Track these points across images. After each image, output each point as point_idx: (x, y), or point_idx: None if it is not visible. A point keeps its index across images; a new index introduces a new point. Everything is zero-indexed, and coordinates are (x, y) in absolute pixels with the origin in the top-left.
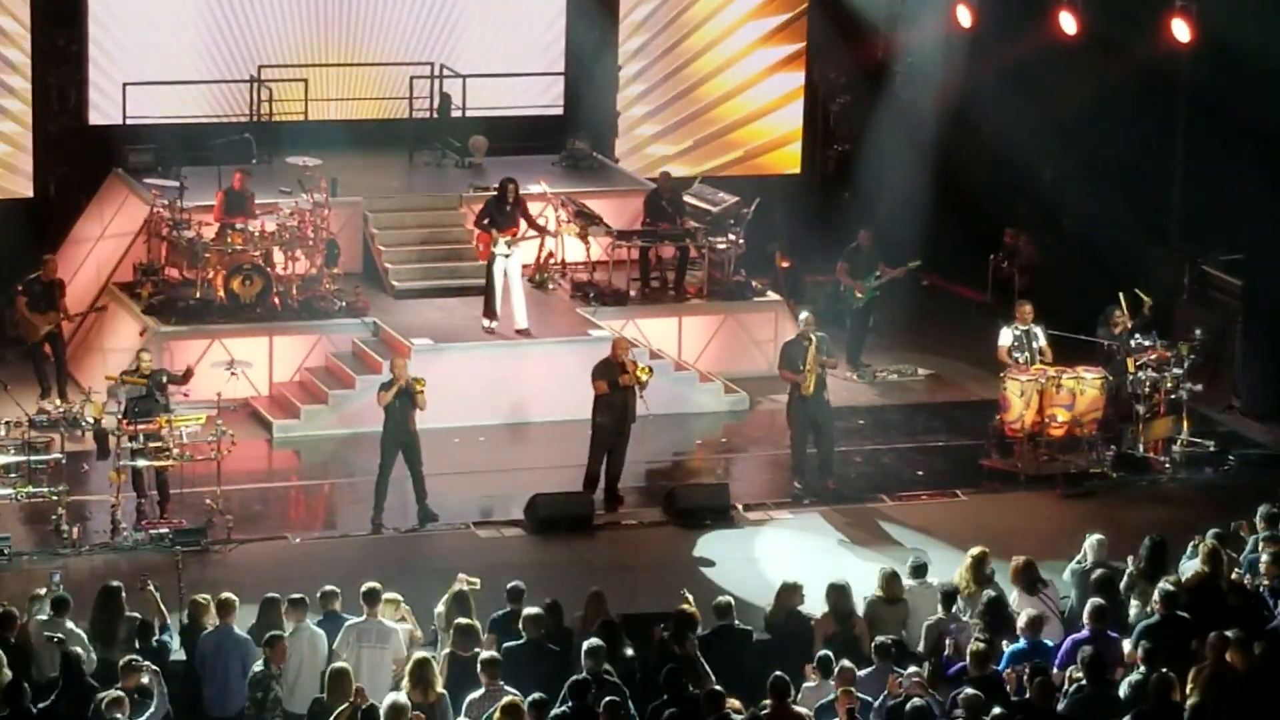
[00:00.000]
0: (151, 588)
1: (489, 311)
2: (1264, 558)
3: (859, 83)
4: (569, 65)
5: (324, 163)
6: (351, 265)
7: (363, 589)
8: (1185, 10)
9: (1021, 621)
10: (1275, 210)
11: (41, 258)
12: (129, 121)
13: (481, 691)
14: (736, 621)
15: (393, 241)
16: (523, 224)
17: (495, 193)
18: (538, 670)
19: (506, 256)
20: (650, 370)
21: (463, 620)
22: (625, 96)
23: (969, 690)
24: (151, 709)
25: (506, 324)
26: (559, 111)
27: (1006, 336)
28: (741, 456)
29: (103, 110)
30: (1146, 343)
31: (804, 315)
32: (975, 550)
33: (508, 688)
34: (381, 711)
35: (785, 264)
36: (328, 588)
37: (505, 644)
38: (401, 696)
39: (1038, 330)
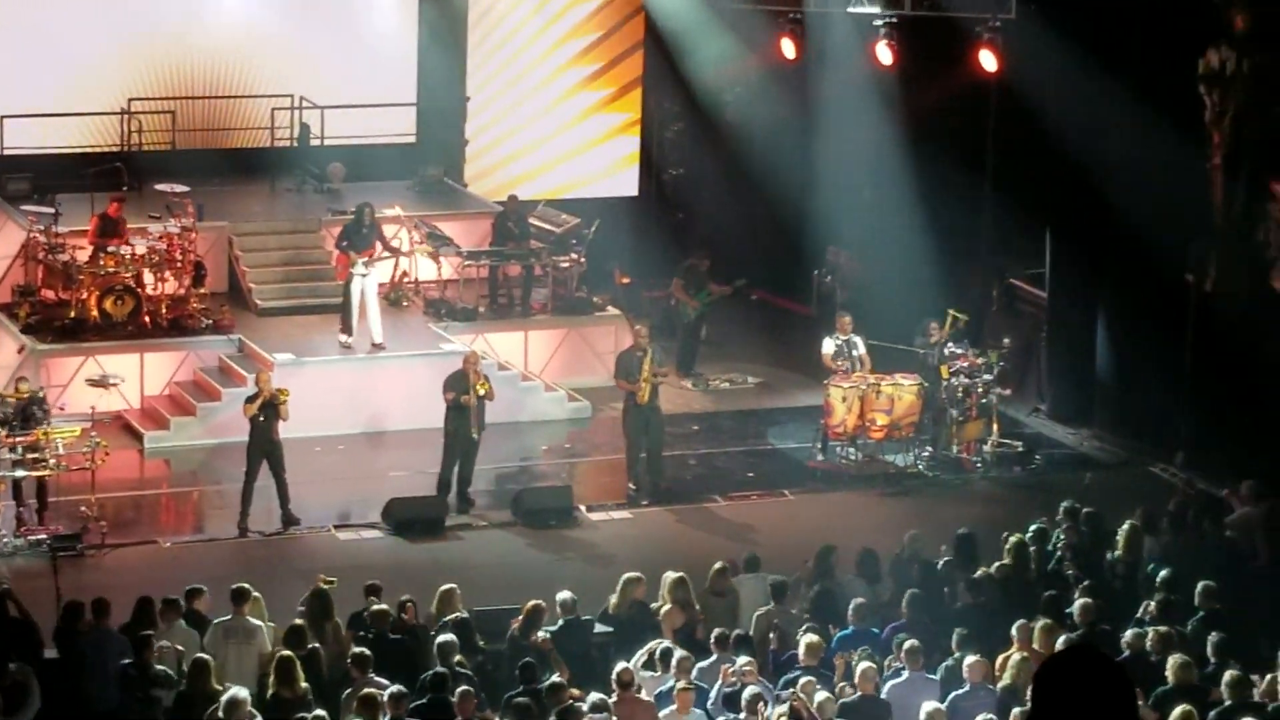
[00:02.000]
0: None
1: (346, 328)
2: (1063, 548)
3: (692, 111)
4: (420, 96)
5: (191, 190)
6: (217, 285)
7: (231, 589)
8: (991, 42)
9: (851, 610)
10: (1076, 227)
11: None
12: (6, 151)
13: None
14: (581, 615)
15: (256, 263)
16: (379, 245)
17: (353, 216)
18: (394, 664)
19: (364, 276)
20: (491, 388)
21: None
22: (474, 125)
23: (803, 677)
24: (27, 706)
25: (363, 339)
26: (412, 139)
27: (829, 346)
28: (584, 461)
29: None
30: (959, 351)
31: (638, 328)
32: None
33: (378, 678)
34: (221, 704)
35: (624, 281)
36: (192, 586)
37: (361, 638)
38: (241, 691)
39: (857, 340)
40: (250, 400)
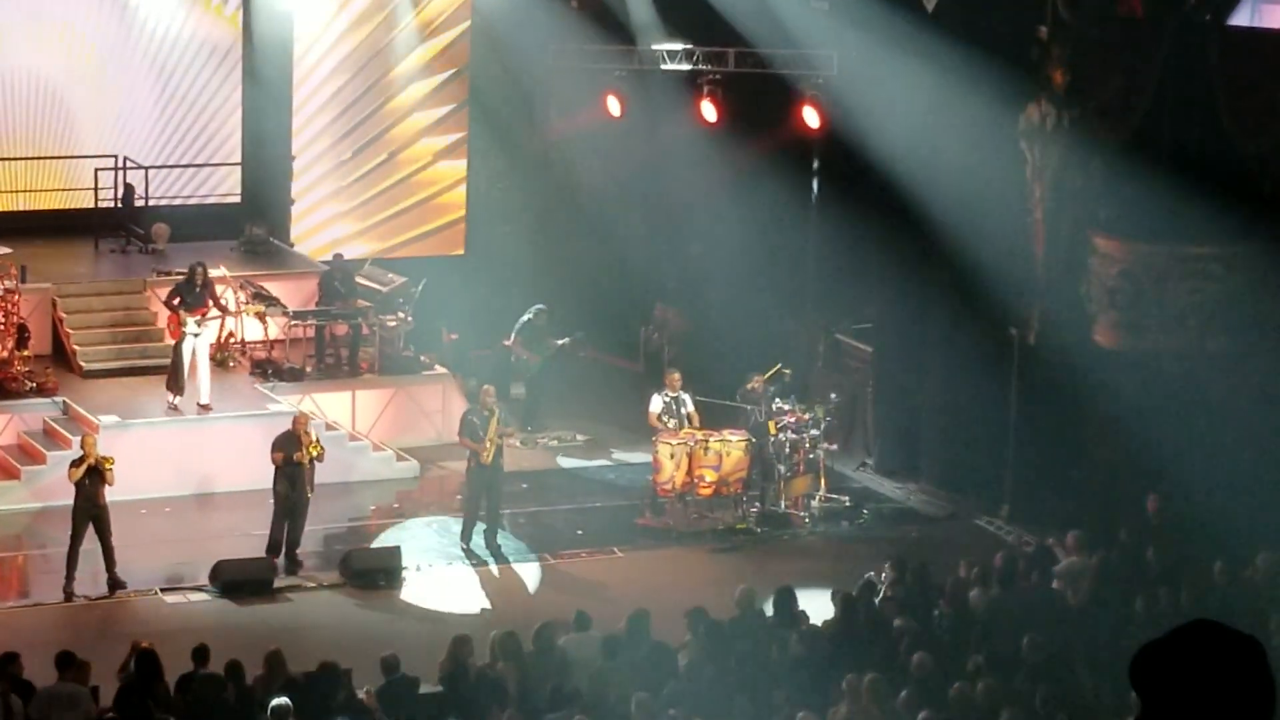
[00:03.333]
0: None
1: (175, 388)
2: (891, 602)
3: (519, 168)
4: (245, 155)
5: (13, 251)
6: (41, 348)
7: (56, 654)
8: (815, 99)
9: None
10: (899, 282)
11: None
12: None
13: None
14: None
15: (81, 324)
16: (210, 304)
17: (185, 275)
18: None
19: (195, 335)
20: (322, 449)
21: None
22: (300, 184)
23: None
24: None
25: (190, 400)
26: (237, 199)
27: (656, 403)
28: (413, 521)
29: None
30: (786, 406)
31: (486, 387)
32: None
33: None
34: None
35: (452, 338)
36: (5, 653)
37: (191, 703)
38: None
39: (685, 397)
40: (75, 464)
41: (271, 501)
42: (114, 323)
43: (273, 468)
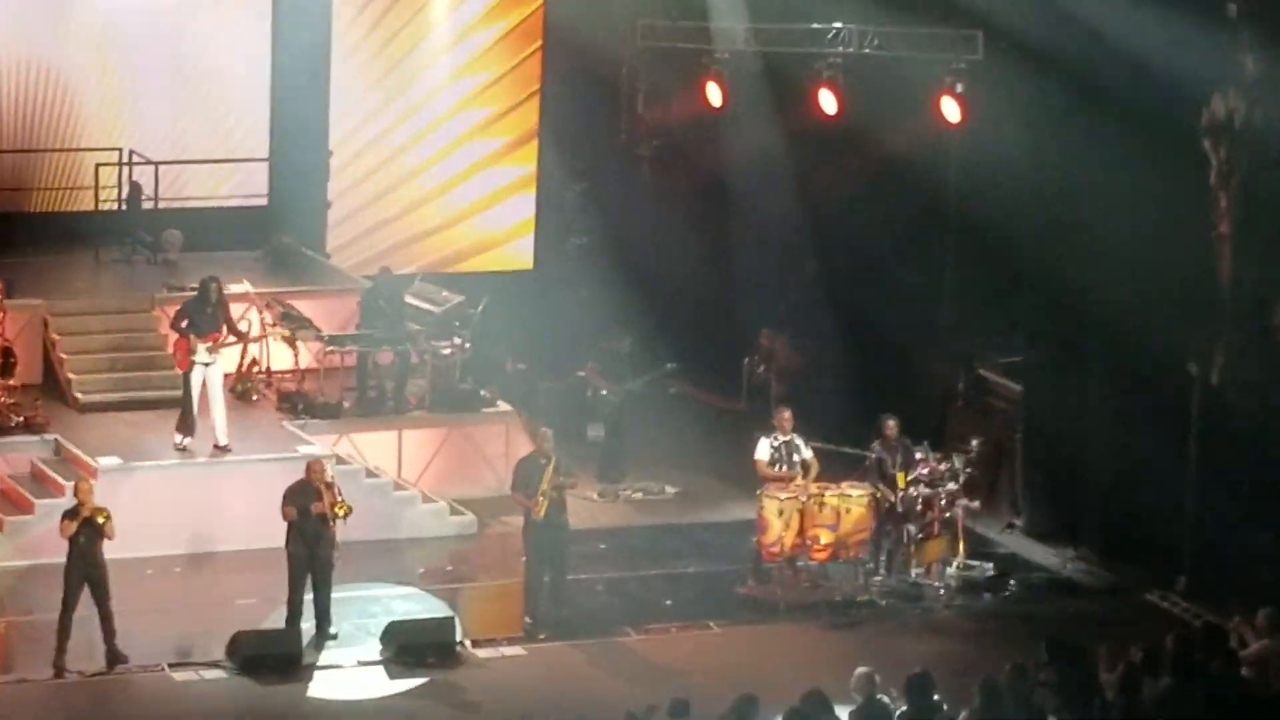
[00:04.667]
0: None
1: (185, 426)
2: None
3: (600, 167)
4: (274, 150)
5: None
6: (30, 376)
7: None
8: (954, 89)
9: None
10: (1054, 306)
11: None
12: None
13: None
14: None
15: (76, 349)
16: (225, 328)
17: (195, 293)
18: None
19: (207, 365)
20: (349, 508)
21: None
22: (338, 185)
23: None
24: None
25: (205, 440)
26: (263, 202)
27: (764, 449)
28: (469, 586)
29: None
30: (918, 455)
31: (543, 431)
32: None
33: None
34: None
35: (518, 368)
36: None
37: None
38: None
39: (799, 441)
40: (69, 516)
41: (286, 565)
42: (116, 347)
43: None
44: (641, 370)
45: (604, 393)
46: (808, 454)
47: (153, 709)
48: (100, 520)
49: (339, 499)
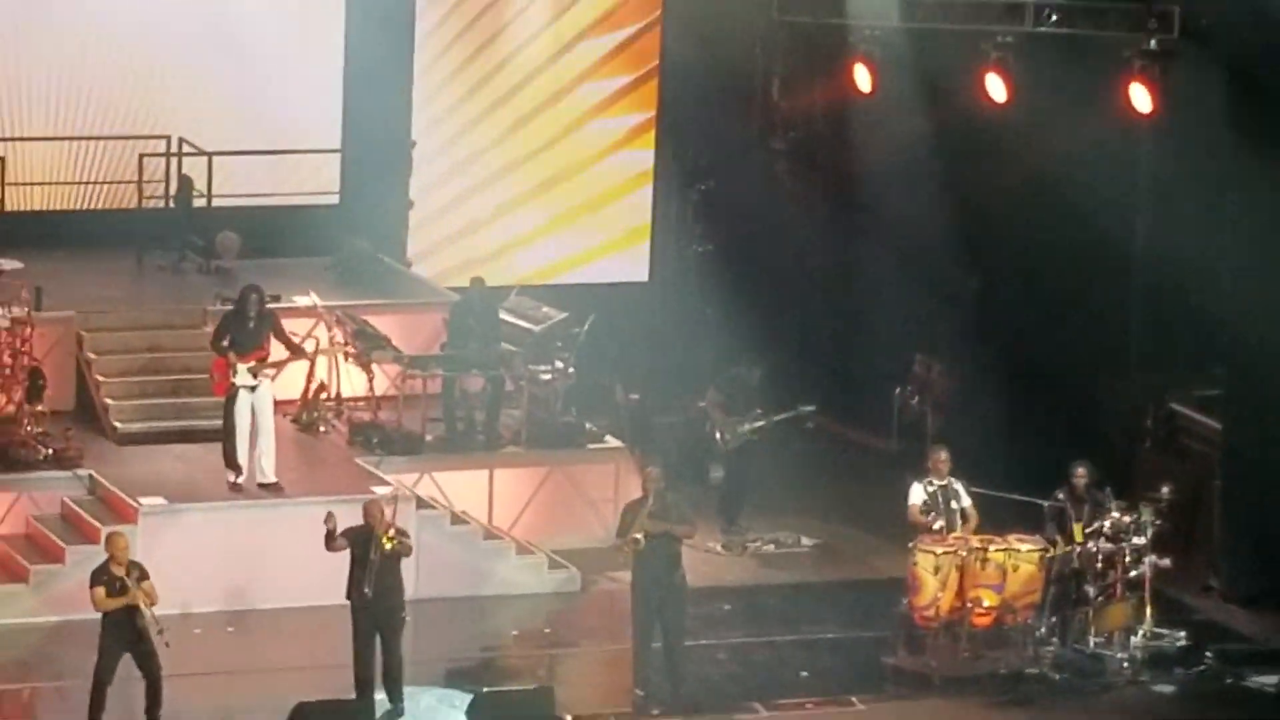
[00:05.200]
0: None
1: (230, 461)
2: None
3: (727, 163)
4: (347, 140)
5: (25, 266)
6: (61, 401)
7: None
8: (1146, 72)
9: None
10: (1261, 334)
11: None
12: None
13: None
14: None
15: (115, 370)
16: (272, 344)
17: (234, 304)
18: None
19: (251, 389)
20: (400, 543)
21: None
22: (420, 181)
23: None
24: None
25: (255, 477)
26: (334, 200)
27: (917, 494)
28: (571, 652)
29: None
30: (1105, 504)
31: (649, 470)
32: None
33: None
34: None
35: (631, 399)
36: None
37: None
38: None
39: (959, 487)
40: (100, 582)
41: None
42: (161, 369)
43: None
44: (771, 407)
45: (720, 431)
46: (967, 501)
47: None
48: (140, 596)
49: (396, 536)
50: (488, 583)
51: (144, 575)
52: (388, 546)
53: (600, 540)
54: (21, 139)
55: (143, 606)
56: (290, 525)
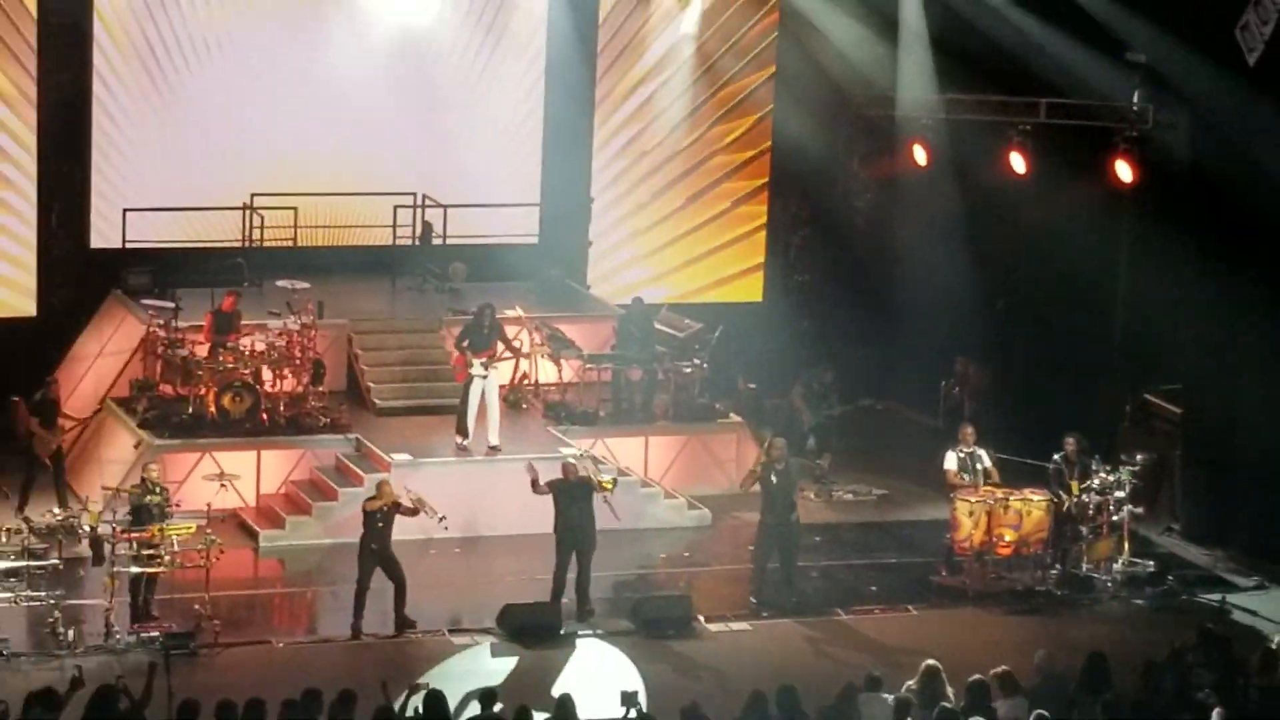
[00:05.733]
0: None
1: (462, 430)
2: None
3: (820, 217)
4: (544, 196)
5: (311, 287)
6: (336, 384)
7: (339, 692)
8: (1128, 152)
9: None
10: (1213, 342)
11: (46, 375)
12: (128, 245)
13: None
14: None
15: (375, 362)
16: (499, 346)
17: (473, 316)
18: None
19: (483, 377)
20: (614, 482)
21: None
22: (598, 226)
23: None
24: None
25: (481, 441)
26: (534, 240)
27: (951, 460)
28: (704, 570)
29: (103, 234)
30: (1093, 468)
31: (777, 440)
32: (928, 663)
33: None
34: None
35: (749, 387)
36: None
37: None
38: None
39: (981, 452)
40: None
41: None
42: (408, 361)
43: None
44: (841, 399)
45: (800, 417)
46: (988, 463)
47: (434, 667)
48: (394, 510)
49: (605, 479)
50: (644, 519)
51: (399, 508)
52: (609, 488)
53: (724, 489)
54: (309, 194)
55: (425, 509)
56: (502, 475)
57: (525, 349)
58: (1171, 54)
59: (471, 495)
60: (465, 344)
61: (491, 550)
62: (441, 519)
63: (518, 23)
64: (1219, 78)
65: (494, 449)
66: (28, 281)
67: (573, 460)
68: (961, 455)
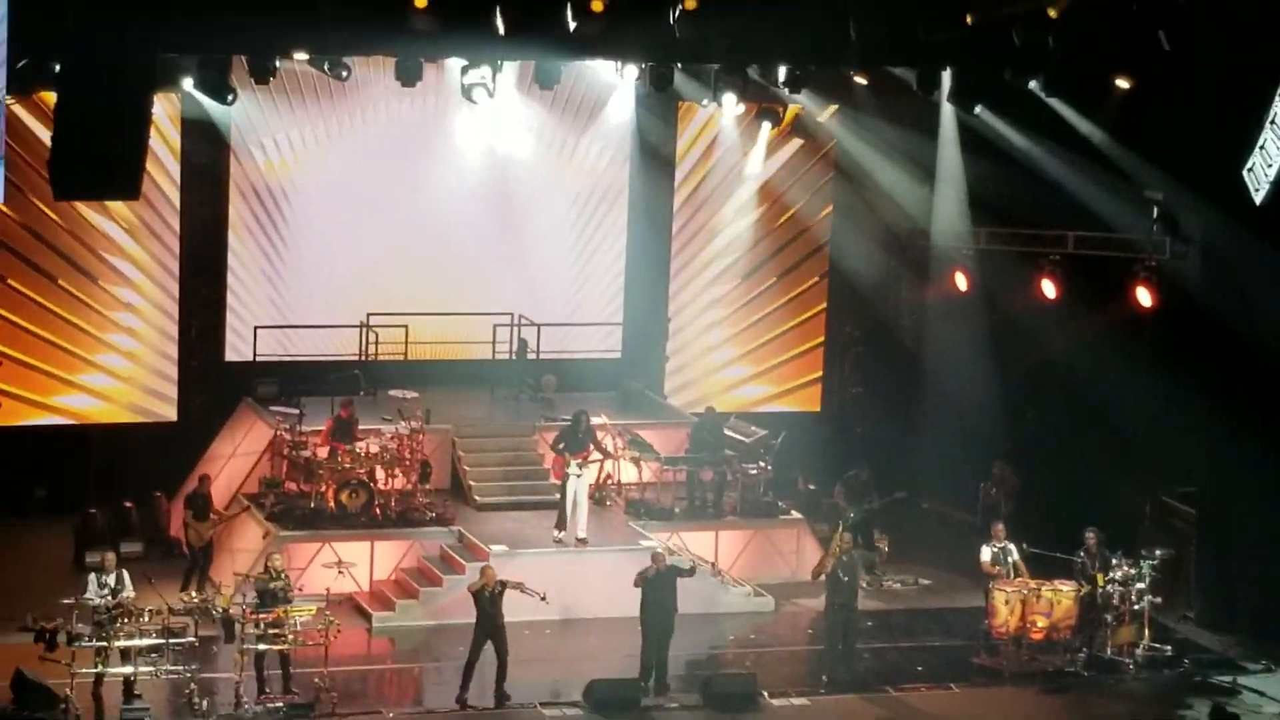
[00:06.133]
0: None
1: (561, 523)
2: None
3: (871, 335)
4: (627, 316)
5: (420, 396)
6: (441, 482)
7: None
8: (1148, 280)
9: None
10: (1225, 451)
11: (185, 474)
12: (258, 358)
13: None
14: None
15: (476, 463)
16: (592, 449)
17: (569, 422)
18: None
19: (578, 477)
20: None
21: None
22: (675, 344)
23: None
24: None
25: (570, 534)
26: (617, 355)
27: (986, 553)
28: (768, 651)
29: (237, 348)
30: (1114, 561)
31: (845, 535)
32: None
33: None
34: None
35: (810, 488)
36: None
37: None
38: None
39: (1011, 546)
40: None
41: (640, 629)
42: (506, 462)
43: (639, 596)
44: (879, 494)
45: (845, 512)
46: (1017, 557)
47: None
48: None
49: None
50: (715, 604)
51: (504, 586)
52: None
53: (786, 578)
54: (419, 313)
55: (525, 591)
56: (590, 565)
57: (611, 451)
58: (1180, 193)
59: (563, 582)
60: (562, 446)
61: (580, 632)
62: (542, 596)
63: (604, 162)
64: (1224, 216)
65: (581, 541)
66: (170, 390)
67: (661, 551)
68: (995, 549)
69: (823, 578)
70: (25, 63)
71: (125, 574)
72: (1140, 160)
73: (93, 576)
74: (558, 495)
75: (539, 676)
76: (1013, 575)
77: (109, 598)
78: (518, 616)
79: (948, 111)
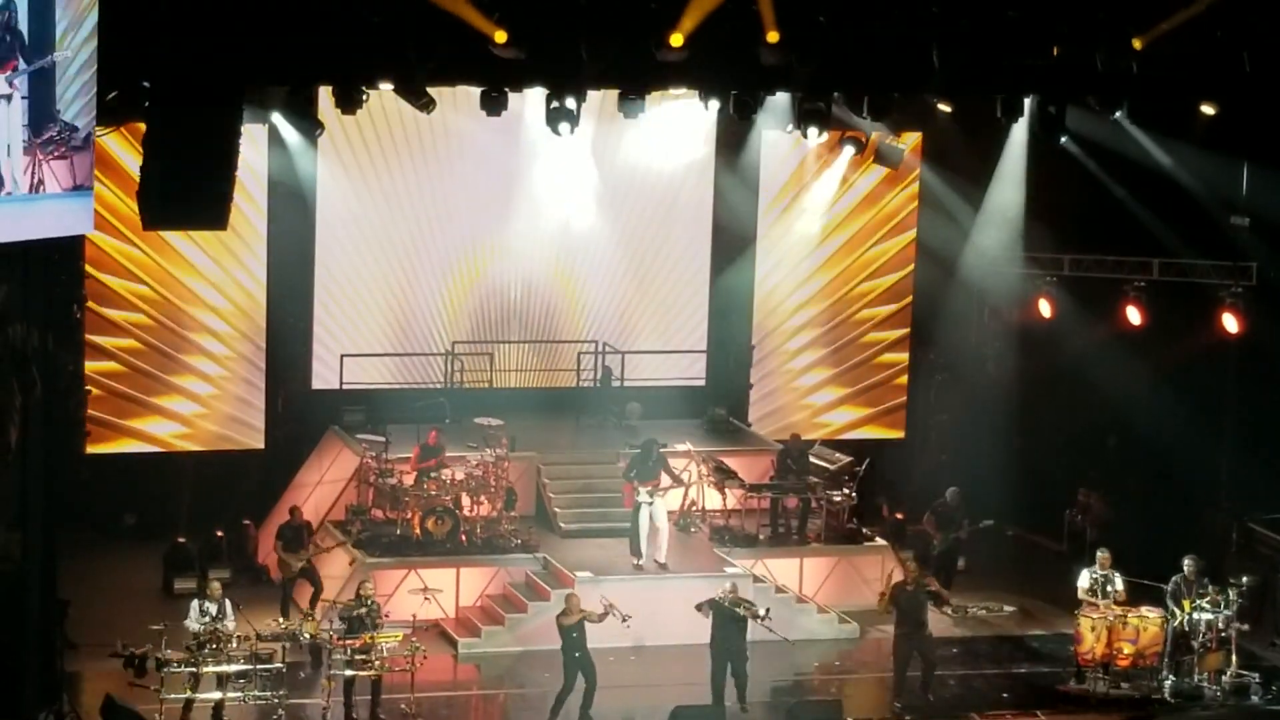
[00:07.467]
0: None
1: (634, 550)
2: None
3: (955, 361)
4: (710, 344)
5: (505, 423)
6: (526, 509)
7: None
8: (1234, 306)
9: None
10: None
11: (272, 502)
12: (345, 386)
13: None
14: None
15: (561, 490)
16: (664, 476)
17: (639, 450)
18: None
19: (649, 504)
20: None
21: None
22: (758, 371)
23: None
24: None
25: (651, 560)
26: (701, 383)
27: (1085, 579)
28: (852, 678)
29: (323, 377)
30: (1202, 589)
31: (910, 564)
32: None
33: None
34: None
35: (898, 516)
36: None
37: None
38: None
39: (1115, 575)
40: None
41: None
42: (590, 489)
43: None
44: (965, 521)
45: (934, 539)
46: (1120, 585)
47: None
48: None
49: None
50: (799, 630)
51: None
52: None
53: (872, 605)
54: (504, 341)
55: (614, 612)
56: (673, 591)
57: (692, 479)
58: (1266, 217)
59: (646, 608)
60: (632, 474)
61: (661, 658)
62: (626, 619)
63: (687, 189)
64: None
65: (662, 566)
66: (257, 420)
67: (728, 589)
68: (1096, 576)
69: (889, 607)
70: (115, 94)
71: (229, 604)
72: (1225, 185)
73: (195, 603)
74: (629, 524)
75: (622, 702)
76: (1111, 602)
77: (209, 624)
78: (601, 644)
79: (1029, 139)
